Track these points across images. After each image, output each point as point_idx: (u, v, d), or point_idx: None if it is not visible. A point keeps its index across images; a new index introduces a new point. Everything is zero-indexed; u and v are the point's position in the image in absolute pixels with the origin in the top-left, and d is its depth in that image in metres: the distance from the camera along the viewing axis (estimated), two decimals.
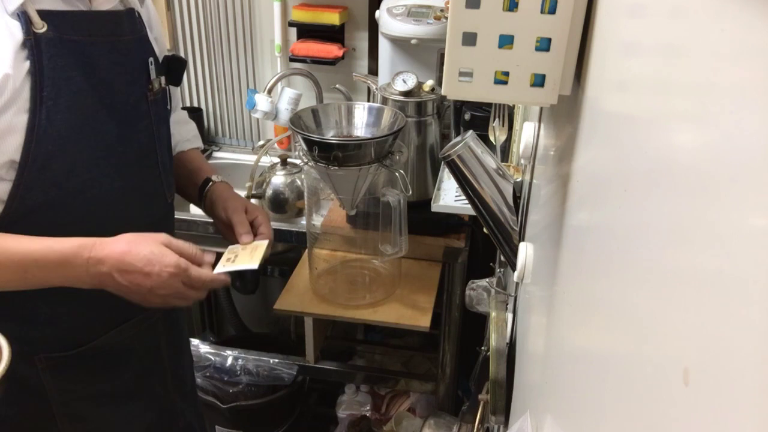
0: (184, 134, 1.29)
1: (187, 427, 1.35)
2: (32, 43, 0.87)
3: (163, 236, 0.96)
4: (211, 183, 1.21)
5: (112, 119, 0.99)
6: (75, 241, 0.90)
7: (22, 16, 0.86)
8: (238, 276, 2.15)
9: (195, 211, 1.73)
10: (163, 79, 1.09)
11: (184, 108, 2.18)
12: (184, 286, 0.96)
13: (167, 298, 0.96)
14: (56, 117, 0.90)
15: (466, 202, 0.88)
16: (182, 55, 2.13)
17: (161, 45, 1.12)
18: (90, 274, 0.91)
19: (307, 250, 1.65)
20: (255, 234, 1.16)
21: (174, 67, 1.12)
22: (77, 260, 0.89)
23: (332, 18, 1.94)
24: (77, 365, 1.08)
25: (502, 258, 0.99)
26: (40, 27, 0.87)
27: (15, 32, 0.86)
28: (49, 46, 0.89)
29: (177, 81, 1.14)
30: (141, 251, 0.92)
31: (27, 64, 0.87)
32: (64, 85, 0.91)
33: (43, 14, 0.88)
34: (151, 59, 1.06)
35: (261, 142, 1.79)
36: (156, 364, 1.22)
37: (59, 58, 0.90)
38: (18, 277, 0.90)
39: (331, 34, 1.99)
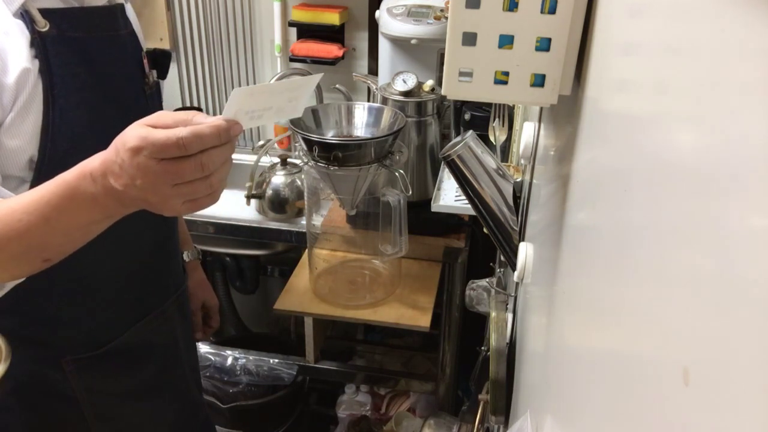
0: None
1: (205, 419, 1.37)
2: (38, 42, 0.87)
3: (155, 114, 0.70)
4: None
5: (117, 115, 0.99)
6: (78, 165, 0.74)
7: (26, 15, 0.86)
8: (238, 276, 2.15)
9: None
10: (155, 72, 1.10)
11: (184, 108, 2.18)
12: (165, 163, 0.66)
13: (164, 190, 0.69)
14: (68, 115, 0.90)
15: (466, 202, 0.88)
16: (182, 55, 2.13)
17: (142, 40, 1.13)
18: (105, 193, 0.72)
19: (307, 250, 1.65)
20: (203, 324, 1.41)
21: (160, 61, 1.13)
22: (84, 182, 0.72)
23: (332, 18, 1.93)
24: (103, 365, 1.09)
25: (502, 258, 0.99)
26: (43, 26, 0.87)
27: (24, 31, 0.86)
28: (54, 44, 0.89)
29: (164, 74, 1.15)
30: (115, 141, 0.70)
31: (36, 63, 0.87)
32: (72, 82, 0.91)
33: (44, 13, 0.88)
34: (143, 53, 1.07)
35: (261, 142, 1.79)
36: (175, 357, 1.24)
37: (64, 55, 0.90)
38: (44, 230, 0.75)
39: (331, 34, 1.99)
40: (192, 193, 0.69)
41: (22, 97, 0.85)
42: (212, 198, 0.72)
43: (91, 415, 1.10)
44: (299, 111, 0.76)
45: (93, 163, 0.72)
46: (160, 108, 1.13)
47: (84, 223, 0.76)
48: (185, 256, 1.35)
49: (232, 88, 2.17)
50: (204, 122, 0.67)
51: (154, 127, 0.67)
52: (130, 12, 1.09)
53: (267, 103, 0.71)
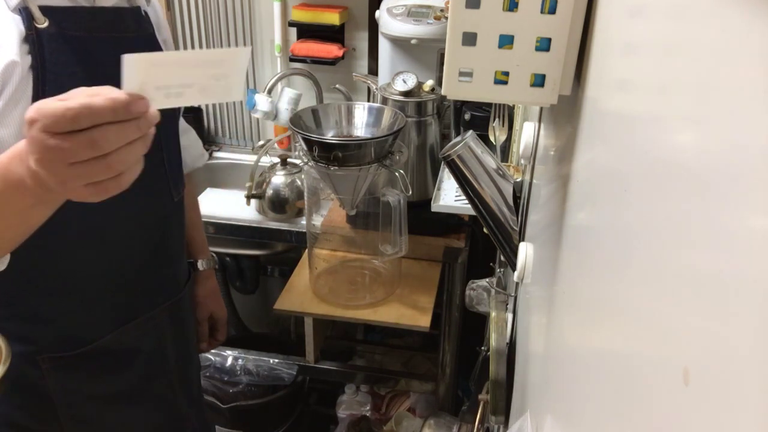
0: (191, 151, 1.29)
1: None
2: (34, 38, 0.86)
3: (74, 89, 0.63)
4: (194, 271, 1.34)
5: None
6: (16, 144, 0.68)
7: (24, 11, 0.86)
8: (238, 276, 2.15)
9: None
10: None
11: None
12: (58, 137, 0.60)
13: (60, 169, 0.62)
14: None
15: (466, 202, 0.88)
16: None
17: (169, 48, 1.11)
18: (28, 174, 0.65)
19: (307, 250, 1.65)
20: (210, 336, 1.41)
21: None
22: (14, 162, 0.66)
23: (332, 18, 1.93)
24: (81, 366, 1.07)
25: (502, 258, 0.99)
26: (42, 22, 0.87)
27: (18, 25, 0.86)
28: (51, 42, 0.88)
29: None
30: None
31: (29, 58, 0.86)
32: (67, 81, 0.90)
33: (45, 10, 0.88)
34: None
35: (261, 142, 1.79)
36: (162, 366, 1.20)
37: (61, 54, 0.90)
38: None
39: (331, 34, 1.99)
40: (89, 175, 0.62)
41: (9, 89, 0.85)
42: (117, 183, 0.64)
43: (65, 416, 1.08)
44: (233, 93, 0.65)
45: (23, 142, 0.65)
46: (170, 112, 1.12)
47: (18, 209, 0.70)
48: (200, 265, 1.33)
49: None
50: (104, 95, 0.60)
51: (61, 100, 0.61)
52: (157, 15, 1.08)
53: (184, 79, 0.62)
